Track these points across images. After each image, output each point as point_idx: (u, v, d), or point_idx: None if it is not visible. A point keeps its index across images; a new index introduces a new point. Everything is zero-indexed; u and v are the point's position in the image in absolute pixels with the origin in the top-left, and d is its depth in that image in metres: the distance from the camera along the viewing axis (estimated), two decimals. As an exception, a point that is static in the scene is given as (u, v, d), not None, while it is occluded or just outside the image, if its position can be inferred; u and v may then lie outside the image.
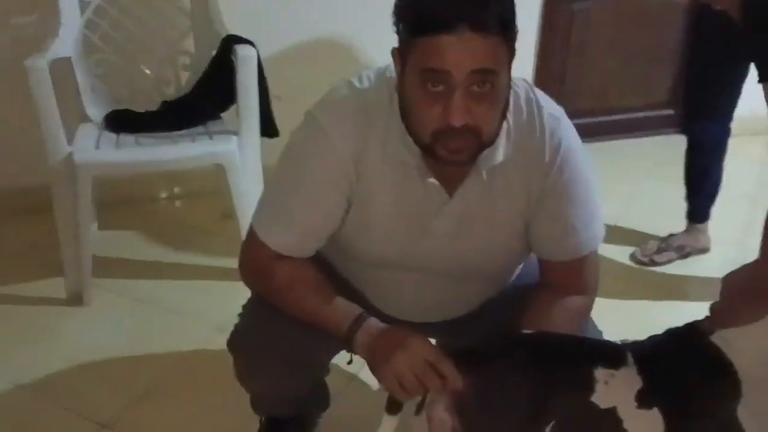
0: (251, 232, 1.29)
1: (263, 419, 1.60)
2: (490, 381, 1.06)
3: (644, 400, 1.07)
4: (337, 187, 1.22)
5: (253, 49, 2.10)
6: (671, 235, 2.60)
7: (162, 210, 2.82)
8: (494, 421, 1.05)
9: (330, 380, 1.57)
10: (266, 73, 2.23)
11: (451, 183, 1.22)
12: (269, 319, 1.30)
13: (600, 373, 1.08)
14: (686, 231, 2.60)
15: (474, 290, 1.41)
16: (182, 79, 2.41)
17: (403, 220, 1.25)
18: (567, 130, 1.24)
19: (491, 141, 1.15)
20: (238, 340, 1.38)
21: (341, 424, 1.70)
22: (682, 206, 2.60)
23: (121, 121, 2.21)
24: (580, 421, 1.08)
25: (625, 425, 1.07)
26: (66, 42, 2.17)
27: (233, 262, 1.34)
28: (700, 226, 2.59)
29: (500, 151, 1.19)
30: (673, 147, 2.71)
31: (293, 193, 1.25)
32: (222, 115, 2.30)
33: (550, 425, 1.05)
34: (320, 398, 1.62)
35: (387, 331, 1.18)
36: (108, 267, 2.30)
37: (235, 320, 1.39)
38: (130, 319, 2.13)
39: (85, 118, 2.24)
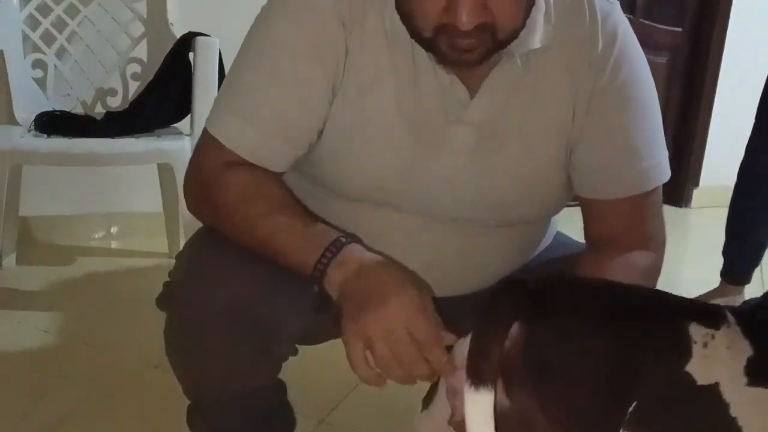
0: (203, 135, 0.96)
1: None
2: (553, 343, 0.75)
3: (758, 373, 0.77)
4: (319, 60, 0.91)
5: (215, 39, 1.84)
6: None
7: (96, 250, 2.45)
8: (559, 400, 0.73)
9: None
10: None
11: (473, 78, 0.93)
12: (216, 261, 0.95)
13: (696, 331, 0.78)
14: (718, 290, 2.15)
15: (493, 250, 1.06)
16: (131, 90, 2.13)
17: (408, 125, 0.94)
18: (624, 18, 0.97)
19: (512, 38, 0.88)
20: (172, 290, 1.00)
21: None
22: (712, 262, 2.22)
23: (54, 123, 1.89)
24: (671, 402, 0.76)
25: (733, 411, 0.76)
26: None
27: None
28: (737, 288, 2.13)
29: (537, 36, 0.92)
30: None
31: (258, 73, 0.93)
32: (176, 126, 2.01)
33: (633, 406, 0.74)
34: (279, 413, 1.21)
35: (370, 269, 0.85)
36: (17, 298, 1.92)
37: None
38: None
39: (11, 121, 1.92)
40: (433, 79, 0.93)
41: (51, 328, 1.81)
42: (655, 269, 1.01)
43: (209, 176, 0.94)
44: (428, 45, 0.88)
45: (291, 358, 1.20)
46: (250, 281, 0.95)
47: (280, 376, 1.20)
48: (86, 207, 2.46)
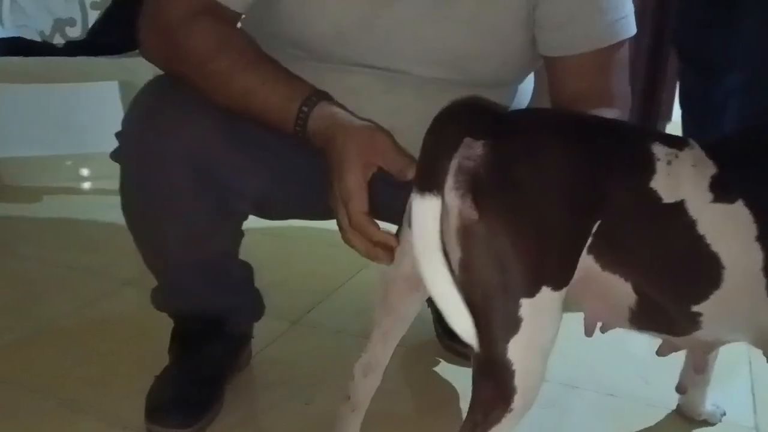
0: None
1: (172, 340, 1.18)
2: (522, 155, 0.75)
3: (722, 188, 0.78)
4: None
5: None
6: None
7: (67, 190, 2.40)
8: (524, 208, 0.73)
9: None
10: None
11: None
12: (171, 108, 0.94)
13: (659, 150, 0.79)
14: None
15: None
16: (90, 19, 2.08)
17: None
18: None
19: None
20: (125, 137, 0.98)
21: (284, 365, 1.31)
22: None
23: (11, 47, 1.85)
24: (637, 219, 0.77)
25: (700, 228, 0.77)
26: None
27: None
28: None
29: None
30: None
31: None
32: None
33: (597, 224, 0.75)
34: (246, 290, 1.21)
35: (332, 128, 0.86)
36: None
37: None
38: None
39: (-34, 50, 1.87)
40: None
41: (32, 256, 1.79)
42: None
43: (175, 21, 0.91)
44: None
45: (266, 268, 1.20)
46: (206, 131, 0.94)
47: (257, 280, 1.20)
48: (56, 148, 2.43)
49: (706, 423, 1.16)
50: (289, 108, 0.87)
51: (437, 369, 1.32)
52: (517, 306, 0.72)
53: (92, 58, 1.77)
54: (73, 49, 1.93)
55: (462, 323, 0.69)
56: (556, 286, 0.74)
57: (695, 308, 0.80)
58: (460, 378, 1.28)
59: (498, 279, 0.72)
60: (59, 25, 2.09)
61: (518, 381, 0.74)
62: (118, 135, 1.00)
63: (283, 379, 1.26)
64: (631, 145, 0.80)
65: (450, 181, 0.73)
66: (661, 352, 1.05)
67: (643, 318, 0.83)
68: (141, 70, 1.75)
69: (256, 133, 0.94)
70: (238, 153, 0.96)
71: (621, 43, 1.00)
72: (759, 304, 0.80)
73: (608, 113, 0.98)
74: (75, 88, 2.16)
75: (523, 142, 0.75)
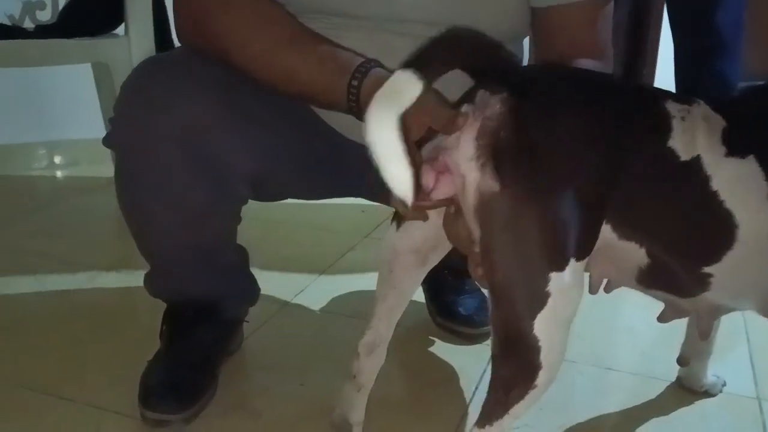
0: None
1: (164, 324, 1.14)
2: (546, 117, 0.71)
3: (734, 142, 0.75)
4: None
5: (146, -69, 1.73)
6: None
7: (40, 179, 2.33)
8: (550, 177, 0.69)
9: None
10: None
11: None
12: (163, 85, 0.89)
13: (672, 107, 0.76)
14: None
15: None
16: (60, 2, 2.00)
17: None
18: None
19: None
20: (118, 117, 0.94)
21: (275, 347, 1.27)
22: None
23: (-20, 32, 1.77)
24: (655, 183, 0.74)
25: (714, 184, 0.74)
26: None
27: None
28: None
29: None
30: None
31: None
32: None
33: (619, 189, 0.73)
34: (242, 276, 1.17)
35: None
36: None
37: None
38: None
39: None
40: None
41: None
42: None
43: (208, 6, 0.87)
44: None
45: (253, 251, 1.16)
46: (202, 108, 0.90)
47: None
48: (27, 136, 2.36)
49: (707, 394, 1.15)
50: (338, 84, 0.82)
51: (431, 349, 1.29)
52: (545, 281, 0.69)
53: (64, 40, 1.70)
54: (43, 32, 1.85)
55: (399, 175, 0.63)
56: (581, 256, 0.71)
57: (707, 269, 0.78)
58: (455, 356, 1.26)
59: (524, 255, 0.69)
60: (28, 8, 2.00)
61: (543, 356, 0.71)
62: (110, 120, 0.95)
63: (275, 361, 1.22)
64: (648, 105, 0.78)
65: (467, 148, 0.70)
66: (663, 318, 1.02)
67: (653, 278, 0.81)
68: (114, 51, 1.71)
69: (254, 109, 0.90)
70: (235, 131, 0.92)
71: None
72: None
73: (595, 66, 0.97)
74: (47, 72, 2.10)
75: (545, 102, 0.72)
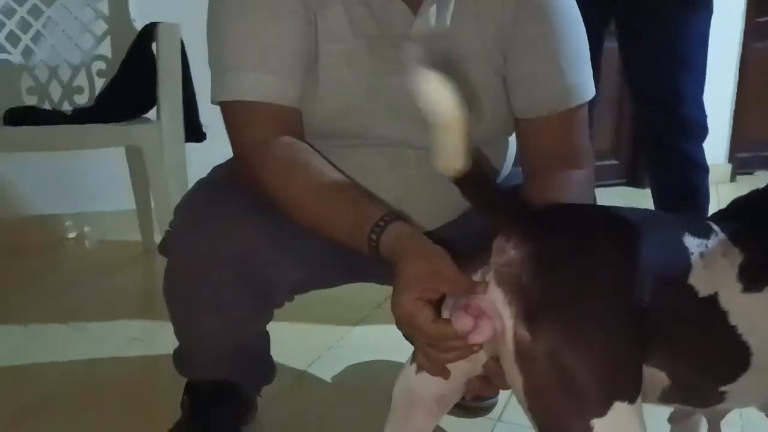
0: (225, 110, 1.02)
1: (186, 394, 1.23)
2: (568, 259, 0.71)
3: (751, 278, 0.79)
4: None
5: (177, 24, 1.89)
6: None
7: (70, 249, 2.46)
8: (580, 319, 0.69)
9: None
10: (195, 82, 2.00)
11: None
12: (219, 211, 1.01)
13: (690, 242, 0.79)
14: None
15: None
16: (97, 87, 2.17)
17: (364, 38, 1.02)
18: None
19: None
20: (174, 235, 1.06)
21: (288, 421, 1.35)
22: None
23: (24, 118, 1.92)
24: (677, 315, 0.76)
25: (731, 319, 0.78)
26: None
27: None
28: None
29: None
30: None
31: (245, 21, 0.99)
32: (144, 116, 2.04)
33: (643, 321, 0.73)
34: (264, 360, 1.26)
35: (396, 255, 0.84)
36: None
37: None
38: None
39: (-21, 121, 1.95)
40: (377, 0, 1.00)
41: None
42: (590, 181, 1.08)
43: (249, 152, 0.99)
44: None
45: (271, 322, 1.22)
46: (252, 234, 1.00)
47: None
48: (58, 207, 2.50)
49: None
50: (359, 234, 0.88)
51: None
52: (589, 428, 0.67)
53: (100, 126, 1.84)
54: (81, 115, 2.01)
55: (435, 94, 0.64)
56: (630, 398, 0.69)
57: (723, 388, 0.81)
58: (457, 428, 1.31)
59: (565, 401, 0.68)
60: (68, 92, 2.17)
61: None
62: (167, 233, 1.09)
63: (287, 433, 1.30)
64: (668, 240, 0.79)
65: (499, 295, 0.71)
66: (673, 419, 1.08)
67: (673, 397, 0.83)
68: (147, 135, 1.85)
69: (295, 231, 0.98)
70: (280, 253, 1.03)
71: (581, 105, 1.08)
72: None
73: (577, 173, 1.05)
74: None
75: (565, 243, 0.72)
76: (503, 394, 1.38)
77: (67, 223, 2.51)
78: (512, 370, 0.71)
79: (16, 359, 1.58)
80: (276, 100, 0.99)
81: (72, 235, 2.51)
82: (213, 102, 1.04)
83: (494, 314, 0.72)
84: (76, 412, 1.36)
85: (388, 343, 1.55)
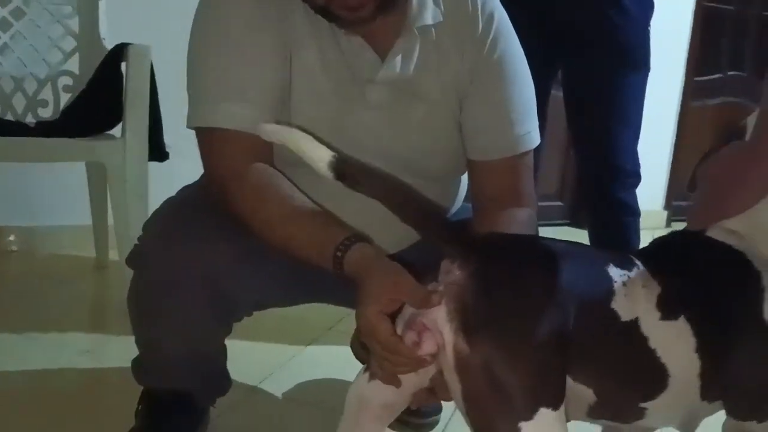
0: (201, 135, 1.08)
1: (141, 403, 1.26)
2: (503, 282, 0.80)
3: (668, 307, 0.88)
4: (268, 23, 1.06)
5: (148, 46, 1.94)
6: None
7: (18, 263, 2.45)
8: (512, 336, 0.77)
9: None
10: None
11: (381, 45, 1.10)
12: (188, 230, 1.07)
13: (615, 272, 0.88)
14: None
15: None
16: (62, 102, 2.20)
17: (332, 83, 1.10)
18: (498, 4, 1.17)
19: None
20: (144, 249, 1.11)
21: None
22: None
23: (-15, 126, 1.93)
24: (600, 336, 0.85)
25: (651, 343, 0.87)
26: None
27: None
28: None
29: (428, 12, 1.11)
30: (565, 236, 2.66)
31: (226, 54, 1.06)
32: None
33: (572, 340, 0.81)
34: (220, 372, 1.31)
35: (359, 272, 0.91)
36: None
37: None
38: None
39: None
40: (348, 43, 1.08)
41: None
42: (532, 220, 1.18)
43: (225, 178, 1.05)
44: (325, 13, 1.03)
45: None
46: (220, 251, 1.06)
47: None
48: (8, 218, 2.50)
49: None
50: (326, 253, 0.94)
51: None
52: (517, 430, 0.75)
53: (64, 140, 1.86)
54: (43, 128, 2.02)
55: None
56: (554, 405, 0.77)
57: (643, 405, 0.89)
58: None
59: (496, 409, 0.75)
60: (32, 105, 2.19)
61: None
62: (136, 246, 1.13)
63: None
64: (592, 269, 0.88)
65: (442, 313, 0.79)
66: None
67: (599, 412, 0.90)
68: (111, 152, 1.88)
69: (262, 252, 1.04)
70: (247, 272, 1.09)
71: (527, 152, 1.19)
72: (693, 400, 0.91)
73: (521, 212, 1.16)
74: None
75: (502, 269, 0.81)
76: (445, 413, 1.46)
77: (11, 237, 2.50)
78: (452, 379, 0.78)
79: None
80: (250, 129, 1.04)
81: (20, 247, 2.50)
82: (188, 127, 1.10)
83: (435, 330, 0.80)
84: (26, 418, 1.37)
85: (338, 363, 1.63)
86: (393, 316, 0.87)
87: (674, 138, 4.09)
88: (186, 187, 1.24)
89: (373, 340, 0.86)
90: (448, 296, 0.79)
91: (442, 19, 1.12)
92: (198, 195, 1.15)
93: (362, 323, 0.86)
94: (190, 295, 1.08)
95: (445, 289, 0.80)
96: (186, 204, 1.15)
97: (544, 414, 0.76)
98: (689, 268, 0.95)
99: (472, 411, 0.77)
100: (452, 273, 0.80)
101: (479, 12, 1.14)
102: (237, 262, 1.08)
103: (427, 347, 0.83)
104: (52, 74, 2.22)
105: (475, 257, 0.80)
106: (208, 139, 1.08)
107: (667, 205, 4.16)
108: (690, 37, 3.97)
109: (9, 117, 2.13)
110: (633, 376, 0.88)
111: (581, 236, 2.67)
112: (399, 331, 0.86)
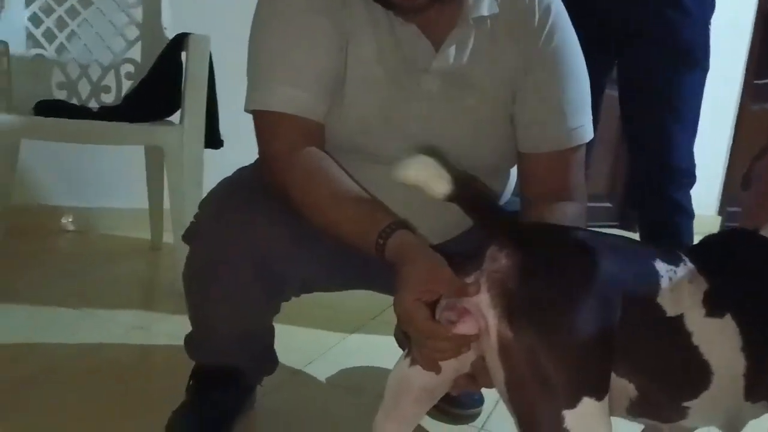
0: (258, 118, 1.12)
1: (191, 379, 1.31)
2: (550, 270, 0.80)
3: (714, 304, 0.87)
4: (326, 9, 1.09)
5: (207, 36, 2.00)
6: None
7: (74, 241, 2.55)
8: (555, 324, 0.77)
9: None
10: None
11: (436, 35, 1.12)
12: (243, 209, 1.11)
13: (661, 267, 0.88)
14: None
15: None
16: (124, 88, 2.28)
17: (386, 71, 1.12)
18: None
19: None
20: (200, 226, 1.15)
21: (283, 413, 1.43)
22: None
23: (53, 109, 2.02)
24: (645, 331, 0.85)
25: (695, 340, 0.86)
26: (5, 26, 2.05)
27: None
28: None
29: (484, 3, 1.12)
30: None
31: (284, 38, 1.10)
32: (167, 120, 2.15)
33: (616, 333, 0.81)
34: (268, 351, 1.35)
35: (399, 259, 0.93)
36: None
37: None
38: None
39: (11, 111, 2.04)
40: (404, 32, 1.11)
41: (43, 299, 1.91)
42: (581, 216, 1.18)
43: (276, 160, 1.09)
44: (382, 1, 1.06)
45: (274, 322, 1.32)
46: (272, 230, 1.10)
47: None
48: (70, 199, 2.60)
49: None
50: (369, 238, 0.97)
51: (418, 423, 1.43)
52: (560, 419, 0.75)
53: (126, 124, 1.93)
54: (106, 113, 2.10)
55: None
56: (598, 396, 0.77)
57: (686, 404, 0.89)
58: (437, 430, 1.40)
59: (539, 396, 0.75)
60: (96, 91, 2.28)
61: None
62: (192, 224, 1.18)
63: (282, 424, 1.38)
64: (639, 263, 0.88)
65: (485, 298, 0.80)
66: None
67: (640, 409, 0.90)
68: (169, 137, 1.95)
69: (311, 234, 1.07)
70: (296, 251, 1.12)
71: (579, 146, 1.19)
72: (736, 401, 0.90)
73: (571, 206, 1.16)
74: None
75: (548, 258, 0.81)
76: (487, 405, 1.48)
77: (69, 217, 2.60)
78: (495, 365, 0.79)
79: (19, 336, 1.65)
80: (305, 114, 1.09)
81: (77, 227, 2.60)
82: (246, 110, 1.14)
83: (478, 314, 0.81)
84: (76, 387, 1.42)
85: (381, 351, 1.65)
86: (433, 305, 0.88)
87: (730, 142, 4.00)
88: (243, 168, 1.28)
89: (411, 326, 0.87)
90: (491, 283, 0.80)
91: (497, 11, 1.13)
92: (253, 176, 1.18)
93: (399, 310, 0.88)
94: (241, 273, 1.12)
95: (488, 277, 0.80)
96: (241, 184, 1.19)
97: (587, 403, 0.76)
98: (739, 266, 0.94)
99: (514, 397, 0.78)
100: (498, 261, 0.81)
101: (536, 4, 1.15)
102: (287, 243, 1.11)
103: (464, 327, 0.84)
104: (116, 61, 2.30)
105: (523, 246, 0.81)
106: (263, 121, 1.11)
107: (722, 211, 4.07)
108: (751, 39, 3.88)
109: (74, 101, 2.22)
110: (675, 372, 0.88)
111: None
112: (438, 315, 0.87)
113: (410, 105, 1.13)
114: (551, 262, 0.81)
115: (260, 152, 1.14)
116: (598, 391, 0.77)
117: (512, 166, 1.30)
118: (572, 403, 0.75)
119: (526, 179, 1.22)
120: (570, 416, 0.75)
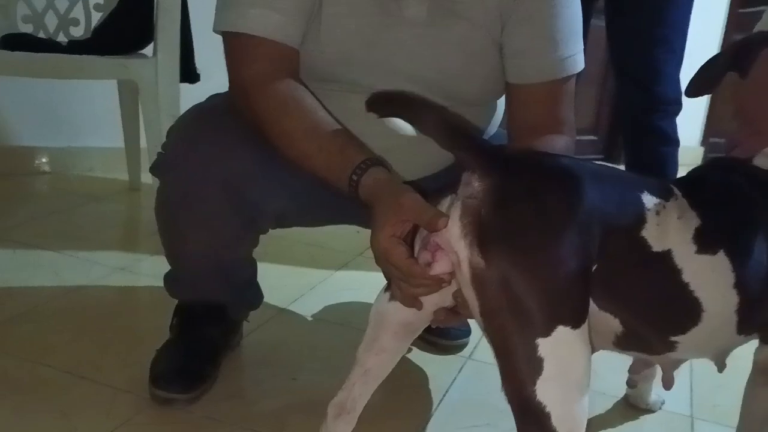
0: (228, 40, 1.05)
1: (175, 317, 1.29)
2: (525, 197, 0.76)
3: (706, 241, 0.84)
4: None
5: (178, -35, 1.91)
6: None
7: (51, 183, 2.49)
8: (529, 252, 0.74)
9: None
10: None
11: None
12: (213, 137, 1.06)
13: (648, 200, 0.84)
14: None
15: None
16: (93, 21, 2.17)
17: None
18: None
19: None
20: (167, 153, 1.10)
21: (269, 348, 1.42)
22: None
23: (21, 43, 1.93)
24: (629, 264, 0.81)
25: (685, 277, 0.83)
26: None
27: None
28: None
29: None
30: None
31: None
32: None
33: (595, 266, 0.78)
34: (250, 285, 1.33)
35: (372, 195, 0.90)
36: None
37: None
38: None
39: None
40: None
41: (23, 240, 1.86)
42: (570, 151, 1.14)
43: (247, 85, 1.03)
44: None
45: (257, 259, 1.30)
46: (243, 158, 1.06)
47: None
48: (46, 140, 2.53)
49: (648, 411, 1.31)
50: (342, 175, 0.93)
51: (406, 355, 1.40)
52: (534, 347, 0.73)
53: (97, 57, 1.86)
54: (75, 47, 2.01)
55: None
56: (574, 323, 0.74)
57: (674, 338, 0.87)
58: (428, 364, 1.40)
59: (513, 324, 0.73)
60: (64, 24, 2.17)
61: (556, 422, 0.74)
62: (159, 154, 1.13)
63: (270, 358, 1.37)
64: (624, 194, 0.84)
65: (456, 229, 0.76)
66: (633, 369, 1.18)
67: (627, 343, 0.88)
68: (143, 70, 1.88)
69: (285, 162, 1.03)
70: (268, 179, 1.08)
71: (570, 77, 1.14)
72: (728, 335, 0.89)
73: (559, 139, 1.12)
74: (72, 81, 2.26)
75: (524, 183, 0.77)
76: (475, 335, 1.48)
77: (44, 158, 2.53)
78: (470, 295, 0.77)
79: (2, 277, 1.61)
80: (278, 37, 1.03)
81: (53, 168, 2.52)
82: (215, 30, 1.08)
83: (449, 248, 0.78)
84: (59, 327, 1.40)
85: (367, 287, 1.62)
86: (411, 242, 0.86)
87: (715, 72, 3.96)
88: (215, 95, 1.22)
89: (389, 265, 0.85)
90: (462, 210, 0.76)
91: None
92: (225, 103, 1.13)
93: (375, 248, 0.86)
94: (213, 199, 1.08)
95: (460, 203, 0.77)
96: (212, 111, 1.13)
97: (562, 332, 0.73)
98: (732, 200, 0.91)
99: (489, 327, 0.76)
100: (471, 185, 0.76)
101: None
102: (259, 169, 1.07)
103: (440, 267, 0.82)
104: (84, -8, 2.19)
105: (498, 170, 0.77)
106: (234, 44, 1.05)
107: (704, 142, 4.07)
108: (737, -33, 3.80)
109: (41, 35, 2.12)
110: (662, 309, 0.85)
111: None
112: (416, 253, 0.85)
113: (394, 32, 1.08)
114: (527, 187, 0.77)
115: (230, 78, 1.08)
116: (574, 319, 0.75)
117: (500, 98, 1.26)
118: (546, 332, 0.73)
119: (514, 112, 1.18)
120: (544, 344, 0.73)
